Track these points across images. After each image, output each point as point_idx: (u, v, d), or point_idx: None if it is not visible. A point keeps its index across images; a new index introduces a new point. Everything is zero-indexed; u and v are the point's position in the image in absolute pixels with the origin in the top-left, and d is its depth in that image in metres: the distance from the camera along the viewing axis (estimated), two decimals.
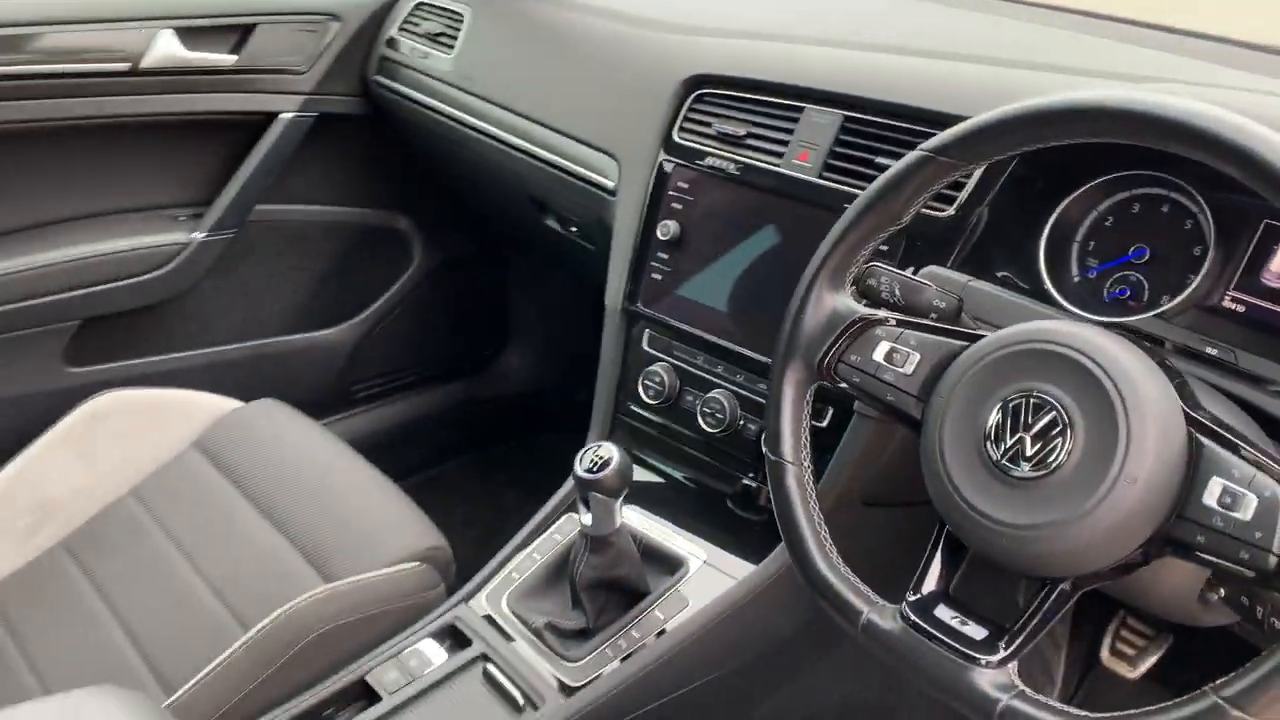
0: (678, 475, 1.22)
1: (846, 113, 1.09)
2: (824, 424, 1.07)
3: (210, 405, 1.48)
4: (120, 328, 1.57)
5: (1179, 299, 0.88)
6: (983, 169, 0.98)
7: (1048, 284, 0.94)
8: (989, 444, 0.70)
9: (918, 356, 0.79)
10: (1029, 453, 0.69)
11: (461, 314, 1.97)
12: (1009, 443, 0.70)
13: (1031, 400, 0.70)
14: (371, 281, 1.82)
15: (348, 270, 1.78)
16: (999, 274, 0.96)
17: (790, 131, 1.12)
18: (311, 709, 1.04)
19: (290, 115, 1.61)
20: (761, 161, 1.14)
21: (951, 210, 1.00)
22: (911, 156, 0.78)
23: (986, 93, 1.00)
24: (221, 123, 1.57)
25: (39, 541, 1.35)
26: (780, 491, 0.82)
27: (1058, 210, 0.96)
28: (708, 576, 1.11)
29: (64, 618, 1.22)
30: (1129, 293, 0.94)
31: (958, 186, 0.99)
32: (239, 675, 1.06)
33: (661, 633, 1.07)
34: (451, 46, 1.55)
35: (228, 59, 1.53)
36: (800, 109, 1.12)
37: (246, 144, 1.60)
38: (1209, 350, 0.83)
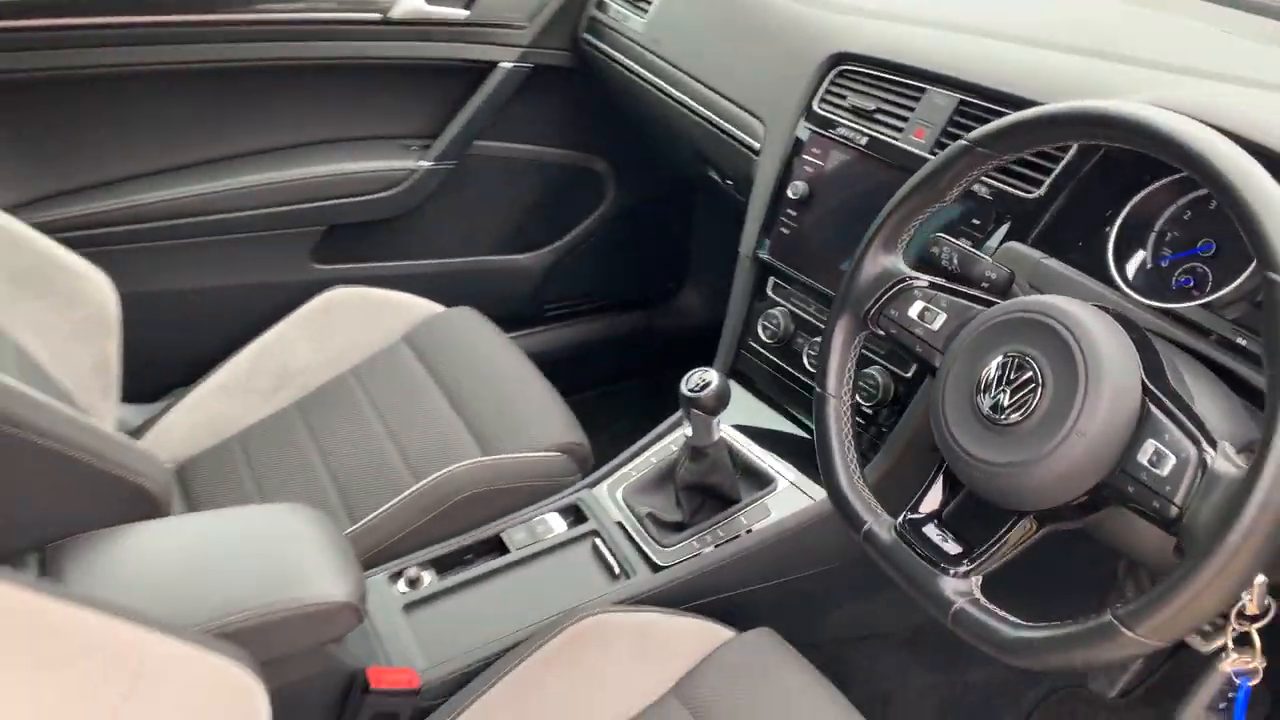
0: (780, 406, 1.39)
1: (963, 96, 1.20)
2: (908, 375, 1.20)
3: (420, 307, 1.77)
4: (357, 235, 1.87)
5: (1225, 291, 0.96)
6: (1073, 151, 1.07)
7: (1111, 268, 1.03)
8: (979, 394, 0.84)
9: (944, 316, 0.92)
10: (1006, 404, 0.82)
11: (646, 250, 2.18)
12: (994, 394, 0.83)
13: (1016, 360, 0.82)
14: (568, 214, 2.06)
15: (548, 203, 2.03)
16: (1071, 255, 1.06)
17: (911, 109, 1.24)
18: (454, 552, 1.29)
19: (509, 65, 1.85)
20: (884, 135, 1.26)
21: (1039, 192, 1.10)
22: (954, 146, 0.91)
23: (1077, 86, 1.09)
24: (451, 68, 1.83)
25: (278, 400, 1.69)
26: (820, 419, 0.98)
27: (1135, 200, 1.05)
28: (791, 494, 1.28)
29: (288, 457, 1.54)
30: (1193, 282, 1.02)
31: (1046, 170, 1.09)
32: (404, 518, 1.33)
33: (746, 533, 1.25)
34: (646, 11, 1.74)
35: (460, 14, 1.79)
36: (922, 90, 1.24)
37: (470, 88, 1.86)
38: (1239, 340, 0.91)
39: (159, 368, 1.73)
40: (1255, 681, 0.84)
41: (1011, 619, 0.80)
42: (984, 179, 1.13)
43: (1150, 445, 0.75)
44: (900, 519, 0.91)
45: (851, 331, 0.98)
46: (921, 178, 0.94)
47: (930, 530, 0.88)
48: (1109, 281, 1.02)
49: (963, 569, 0.85)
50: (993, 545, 0.85)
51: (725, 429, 1.34)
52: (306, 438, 1.58)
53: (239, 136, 1.74)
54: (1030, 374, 0.81)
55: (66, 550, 1.07)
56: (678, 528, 1.28)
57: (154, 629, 0.85)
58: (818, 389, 0.99)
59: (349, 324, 1.74)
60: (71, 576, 1.04)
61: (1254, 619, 0.80)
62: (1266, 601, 0.80)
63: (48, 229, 1.51)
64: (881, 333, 0.96)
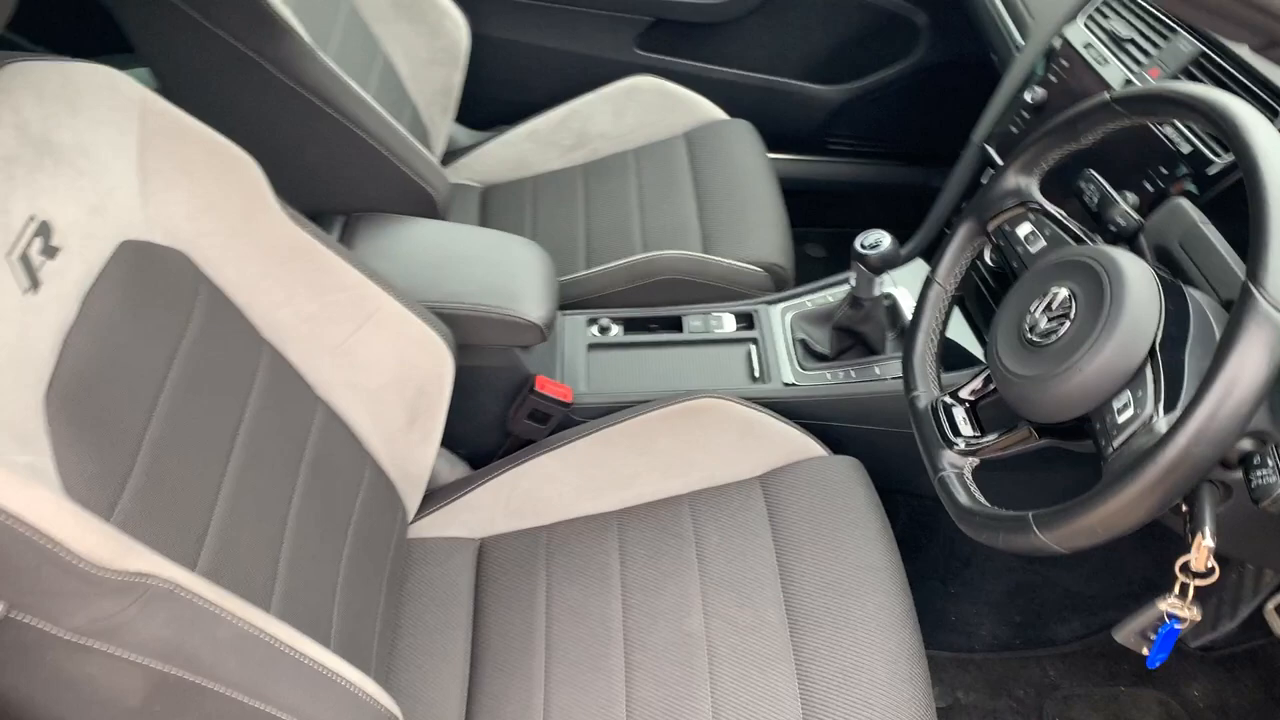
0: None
1: (1206, 49, 1.22)
2: None
3: (706, 111, 2.00)
4: (679, 32, 2.10)
5: None
6: None
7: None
8: (1027, 314, 0.97)
9: (1042, 243, 1.04)
10: (1042, 328, 0.95)
11: (940, 112, 2.24)
12: (1036, 317, 0.96)
13: (1063, 294, 0.95)
14: (875, 58, 2.16)
15: (859, 43, 2.14)
16: (1234, 225, 1.11)
17: (1157, 48, 1.27)
18: (641, 319, 1.57)
19: None
20: (1125, 64, 1.31)
21: (1226, 159, 1.14)
22: (1097, 98, 1.00)
23: None
24: None
25: (571, 157, 2.00)
26: (921, 298, 1.14)
27: None
28: None
29: (561, 204, 1.87)
30: None
31: None
32: (618, 278, 1.63)
33: (872, 381, 1.44)
34: None
35: None
36: (1173, 31, 1.26)
37: None
38: None
39: (491, 103, 2.09)
40: (1182, 627, 0.96)
41: (974, 495, 0.97)
42: (1184, 133, 1.18)
43: (1125, 396, 0.87)
44: (940, 395, 1.07)
45: (971, 234, 1.12)
46: (1063, 120, 1.03)
47: (958, 412, 1.05)
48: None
49: (964, 448, 1.02)
50: (996, 438, 1.00)
51: (898, 291, 1.50)
52: (580, 193, 1.89)
53: None
54: (1067, 309, 0.93)
55: (363, 221, 1.46)
56: (820, 358, 1.49)
57: (391, 292, 1.19)
58: (929, 275, 1.15)
59: (645, 109, 2.00)
60: (358, 240, 1.42)
61: (1197, 575, 0.92)
62: (1210, 564, 0.91)
63: None
64: (994, 242, 1.09)
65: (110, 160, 0.95)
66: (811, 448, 1.38)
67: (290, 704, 0.84)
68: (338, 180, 1.44)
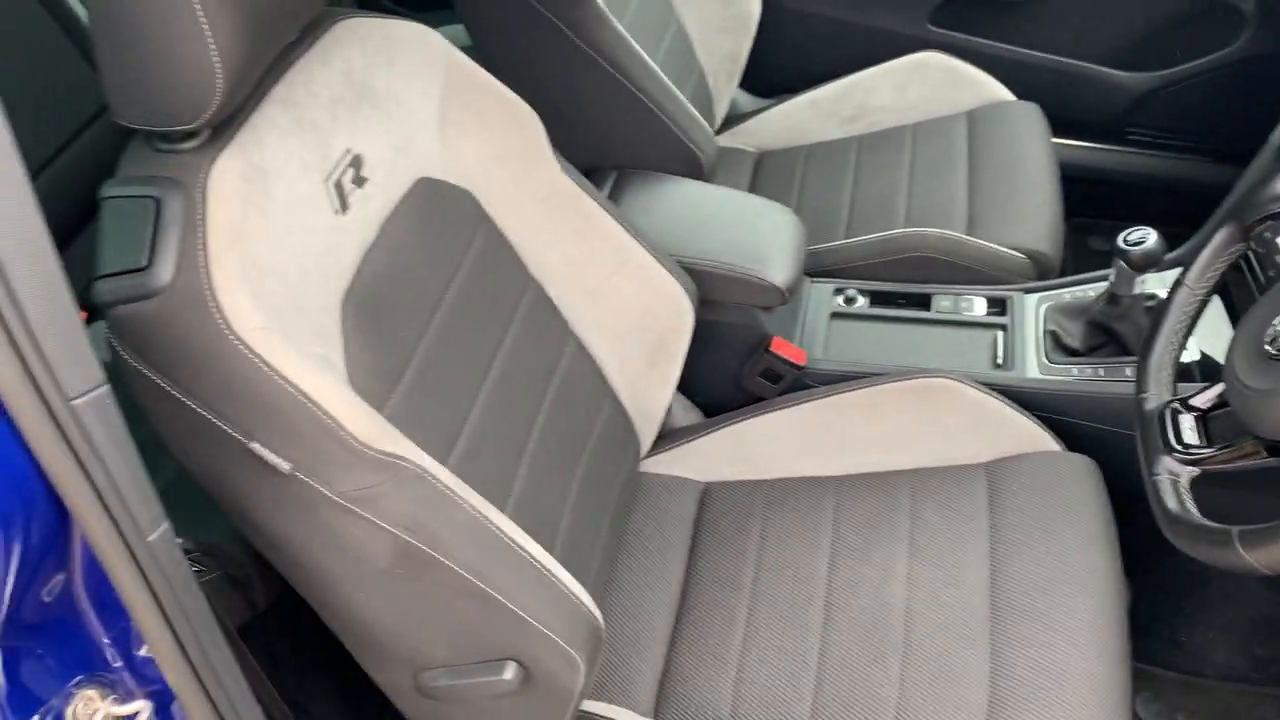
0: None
1: None
2: None
3: (993, 91, 1.96)
4: (976, 7, 2.05)
5: None
6: None
7: None
8: (1269, 326, 0.93)
9: None
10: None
11: (1262, 104, 2.06)
12: (1276, 329, 0.92)
13: None
14: (1189, 46, 2.02)
15: (1174, 28, 2.00)
16: None
17: None
18: (890, 293, 1.59)
19: None
20: None
21: None
22: None
23: None
24: None
25: (848, 128, 2.03)
26: (1166, 302, 1.10)
27: None
28: None
29: (832, 173, 1.91)
30: None
31: None
32: (872, 250, 1.66)
33: (1118, 381, 1.39)
34: None
35: None
36: None
37: None
38: None
39: (776, 71, 2.15)
40: None
41: (1185, 503, 0.95)
42: None
43: None
44: (1170, 400, 1.04)
45: (1231, 238, 1.06)
46: None
47: (1185, 420, 1.01)
48: None
49: (1185, 456, 0.98)
50: (1221, 451, 0.97)
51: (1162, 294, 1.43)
52: (851, 164, 1.92)
53: None
54: None
55: (633, 177, 1.57)
56: (1070, 353, 1.45)
57: (643, 244, 1.30)
58: (1179, 275, 1.10)
59: (930, 85, 1.99)
60: (625, 194, 1.53)
61: None
62: None
63: None
64: (1253, 248, 1.04)
65: (417, 107, 1.11)
66: (1045, 441, 1.36)
67: (506, 589, 0.97)
68: (615, 138, 1.56)
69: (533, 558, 0.99)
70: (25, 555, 0.74)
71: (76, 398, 0.69)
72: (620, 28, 1.49)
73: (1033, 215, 1.70)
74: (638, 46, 1.51)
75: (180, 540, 1.20)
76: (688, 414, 1.54)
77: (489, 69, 1.57)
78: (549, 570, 1.00)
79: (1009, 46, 2.07)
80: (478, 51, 1.57)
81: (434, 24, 1.40)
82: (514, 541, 0.98)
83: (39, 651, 0.78)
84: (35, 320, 0.66)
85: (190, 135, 0.88)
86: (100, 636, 0.82)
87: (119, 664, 0.83)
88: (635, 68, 1.50)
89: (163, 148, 0.88)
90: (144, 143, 0.89)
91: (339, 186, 0.99)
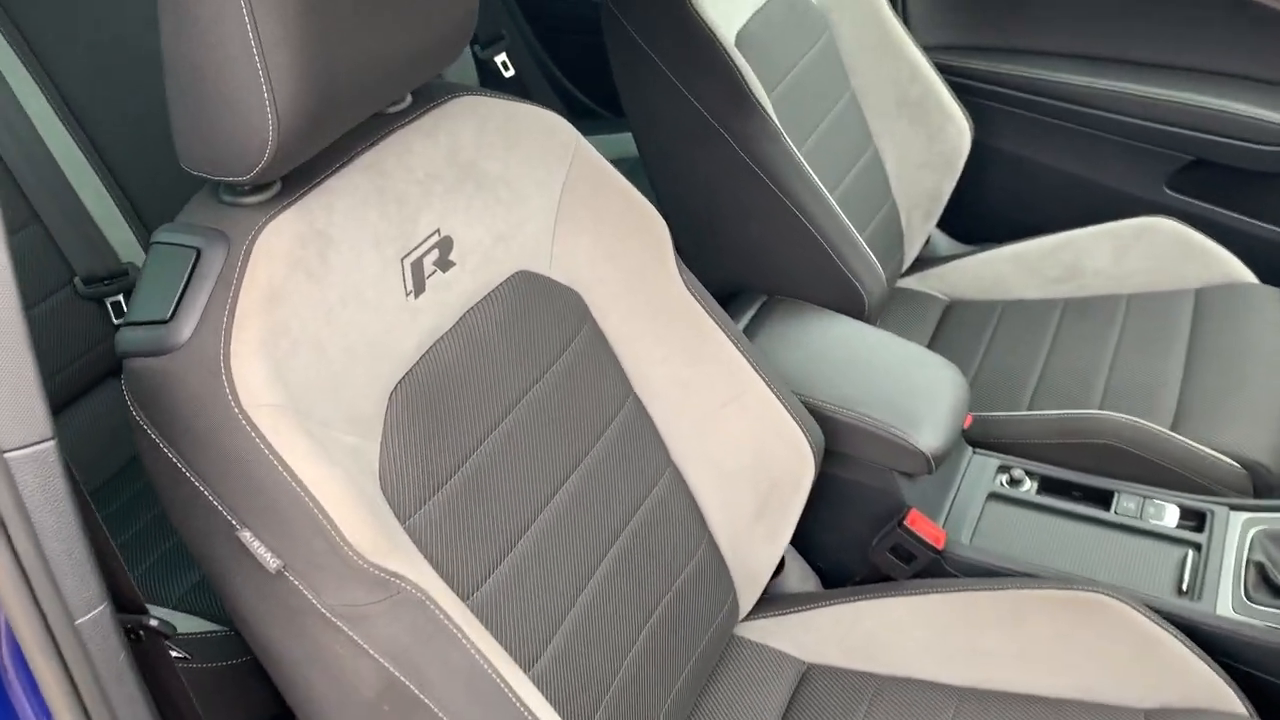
0: None
1: None
2: None
3: (1231, 268, 1.71)
4: (1221, 176, 1.81)
5: None
6: None
7: None
8: None
9: None
10: None
11: None
12: None
13: None
14: None
15: None
16: None
17: None
18: (1065, 482, 1.36)
19: None
20: None
21: None
22: None
23: None
24: None
25: (1053, 289, 1.82)
26: None
27: None
28: None
29: (1022, 339, 1.70)
30: None
31: None
32: (1051, 428, 1.43)
33: None
34: None
35: None
36: None
37: None
38: None
39: (980, 216, 1.97)
40: None
41: None
42: None
43: None
44: None
45: None
46: None
47: None
48: None
49: None
50: None
51: None
52: (1051, 329, 1.71)
53: (1128, 41, 1.79)
54: None
55: (782, 304, 1.44)
56: (1278, 593, 1.18)
57: (765, 376, 1.16)
58: None
59: (1155, 255, 1.76)
60: (769, 320, 1.40)
61: None
62: None
63: (945, 69, 1.79)
64: None
65: (531, 195, 1.02)
66: (1227, 697, 1.09)
67: None
68: (770, 260, 1.43)
69: None
70: None
71: (12, 450, 0.62)
72: (792, 147, 1.38)
73: (1257, 418, 1.43)
74: (809, 169, 1.39)
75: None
76: (804, 579, 1.35)
77: (652, 175, 1.51)
78: None
79: (1255, 221, 1.81)
80: (643, 157, 1.50)
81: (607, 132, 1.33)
82: (519, 699, 0.83)
83: None
84: None
85: (259, 189, 0.82)
86: None
87: None
88: (803, 190, 1.37)
89: (226, 199, 0.82)
90: (210, 192, 0.83)
91: (417, 266, 0.91)
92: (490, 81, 2.19)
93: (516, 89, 2.24)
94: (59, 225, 1.41)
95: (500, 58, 2.21)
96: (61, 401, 1.46)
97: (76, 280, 1.46)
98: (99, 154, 1.47)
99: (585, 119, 2.31)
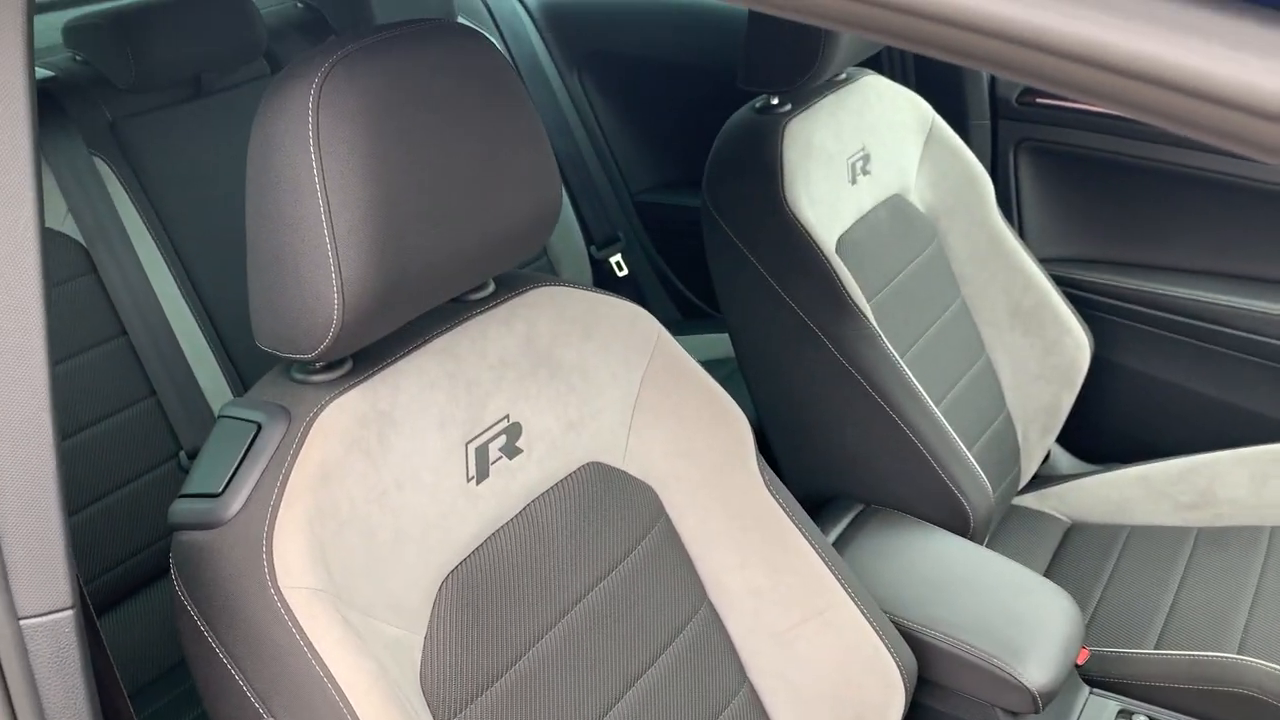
0: None
1: None
2: None
3: None
4: None
5: None
6: None
7: None
8: None
9: None
10: None
11: None
12: None
13: None
14: None
15: None
16: None
17: None
18: None
19: None
20: None
21: None
22: None
23: None
24: None
25: (1184, 516, 1.68)
26: None
27: None
28: None
29: (1151, 569, 1.56)
30: None
31: None
32: (1173, 671, 1.28)
33: None
34: None
35: None
36: None
37: None
38: None
39: (1104, 435, 1.86)
40: None
41: None
42: None
43: None
44: None
45: None
46: None
47: None
48: None
49: None
50: None
51: None
52: (1183, 560, 1.57)
53: (1260, 258, 1.71)
54: None
55: (879, 515, 1.36)
56: None
57: (852, 592, 1.08)
58: None
59: None
60: (864, 531, 1.32)
61: None
62: None
63: (1064, 281, 1.74)
64: None
65: (607, 386, 1.00)
66: None
67: None
68: (867, 467, 1.37)
69: None
70: None
71: (29, 617, 0.60)
72: (891, 351, 1.34)
73: None
74: (910, 374, 1.34)
75: None
76: None
77: (748, 377, 1.48)
78: None
79: None
80: (739, 358, 1.48)
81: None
82: None
83: None
84: (6, 516, 0.59)
85: (329, 368, 0.82)
86: None
87: None
88: (903, 396, 1.32)
89: (297, 377, 0.83)
90: (282, 370, 0.84)
91: (482, 452, 0.89)
92: (605, 281, 2.25)
93: (630, 288, 2.29)
94: (171, 399, 1.46)
95: (615, 258, 2.27)
96: (150, 575, 1.48)
97: (182, 454, 1.50)
98: (215, 328, 1.54)
99: (695, 319, 2.34)
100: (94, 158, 1.49)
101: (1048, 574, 1.61)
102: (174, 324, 1.47)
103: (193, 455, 1.50)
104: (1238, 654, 1.31)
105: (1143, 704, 1.25)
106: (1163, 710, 1.24)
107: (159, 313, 1.46)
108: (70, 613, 0.61)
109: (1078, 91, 0.41)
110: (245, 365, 1.57)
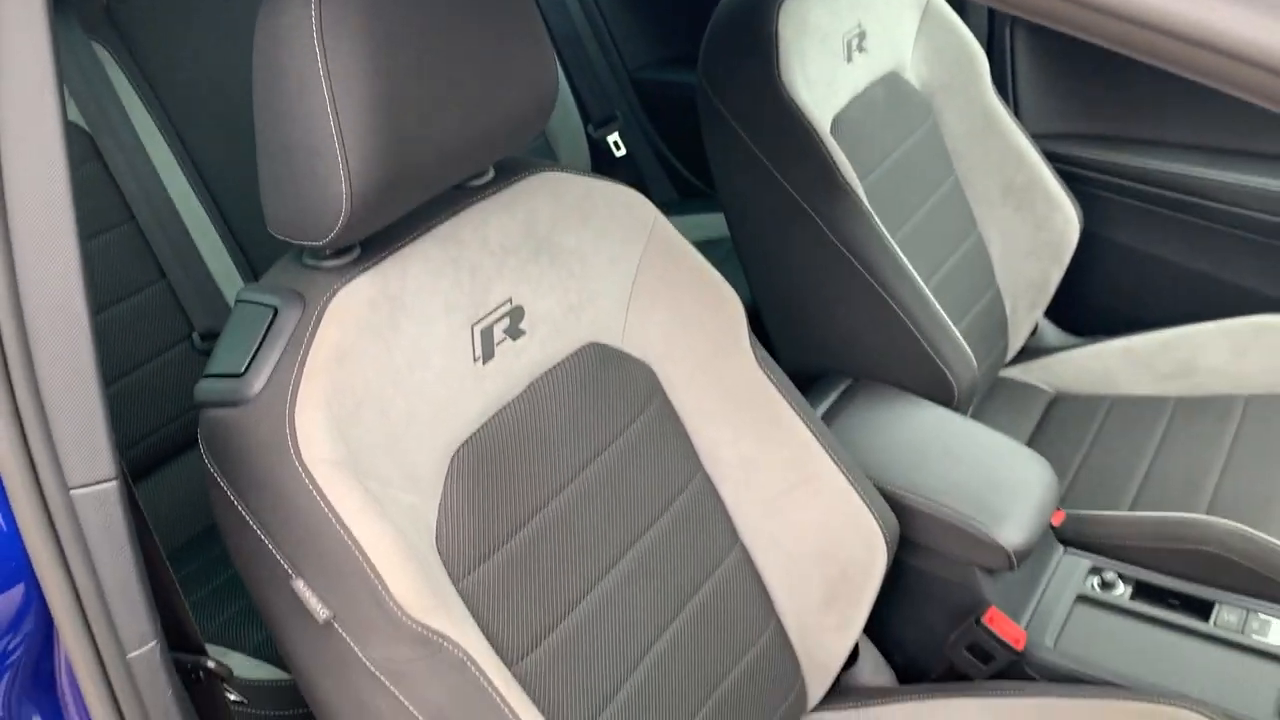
0: None
1: None
2: None
3: None
4: None
5: None
6: None
7: None
8: None
9: None
10: None
11: None
12: None
13: None
14: None
15: None
16: None
17: None
18: (1162, 589, 1.29)
19: None
20: None
21: None
22: None
23: None
24: None
25: (1164, 386, 1.74)
26: None
27: None
28: None
29: (1128, 436, 1.63)
30: None
31: None
32: (1146, 531, 1.35)
33: None
34: None
35: None
36: None
37: None
38: None
39: (1090, 308, 1.91)
40: None
41: None
42: None
43: None
44: None
45: None
46: None
47: None
48: None
49: None
50: None
51: None
52: (1161, 427, 1.63)
53: (1251, 133, 1.72)
54: None
55: (867, 388, 1.42)
56: None
57: (838, 460, 1.14)
58: None
59: (1275, 354, 1.67)
60: (853, 404, 1.38)
61: None
62: None
63: (1055, 157, 1.76)
64: None
65: (605, 269, 1.05)
66: None
67: None
68: (857, 343, 1.42)
69: None
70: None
71: (78, 488, 0.66)
72: (882, 230, 1.37)
73: None
74: (899, 252, 1.38)
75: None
76: (877, 672, 1.31)
77: (743, 256, 1.52)
78: None
79: None
80: (734, 237, 1.51)
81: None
82: None
83: None
84: (51, 394, 0.64)
85: (338, 254, 0.86)
86: None
87: None
88: (892, 275, 1.36)
89: (308, 262, 0.87)
90: (294, 256, 0.88)
91: (487, 334, 0.94)
92: (602, 161, 2.25)
93: (628, 168, 2.30)
94: (181, 282, 1.50)
95: (613, 138, 2.27)
96: (173, 450, 1.55)
97: (195, 335, 1.54)
98: (221, 213, 1.57)
99: (694, 198, 2.36)
100: (92, 43, 1.50)
101: (1030, 442, 1.68)
102: (180, 208, 1.50)
103: (205, 336, 1.55)
104: (1206, 514, 1.38)
105: (1113, 561, 1.33)
106: (1131, 567, 1.32)
107: (165, 197, 1.49)
108: (115, 483, 0.67)
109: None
110: (251, 248, 1.60)
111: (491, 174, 0.99)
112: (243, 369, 0.81)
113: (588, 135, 2.23)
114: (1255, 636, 1.21)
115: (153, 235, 1.47)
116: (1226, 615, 1.24)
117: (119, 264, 1.47)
